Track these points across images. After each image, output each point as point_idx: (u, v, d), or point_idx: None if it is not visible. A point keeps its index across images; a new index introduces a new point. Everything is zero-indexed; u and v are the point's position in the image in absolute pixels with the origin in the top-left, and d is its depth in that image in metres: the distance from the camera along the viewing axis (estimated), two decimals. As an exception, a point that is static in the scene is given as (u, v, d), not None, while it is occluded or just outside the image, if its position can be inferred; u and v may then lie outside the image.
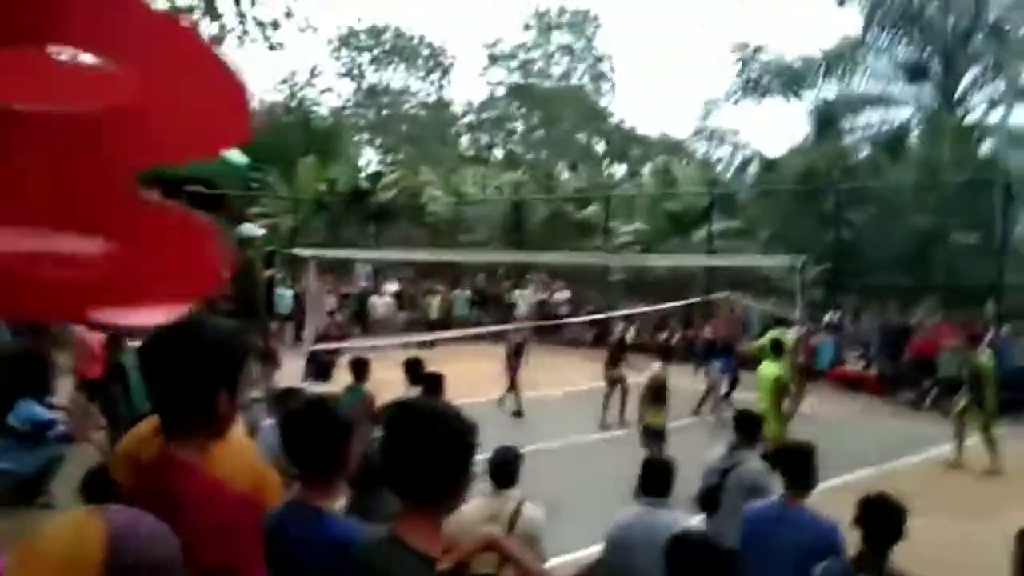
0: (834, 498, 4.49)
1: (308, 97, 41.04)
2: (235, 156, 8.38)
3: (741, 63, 25.52)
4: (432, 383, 6.18)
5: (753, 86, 25.29)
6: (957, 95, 23.08)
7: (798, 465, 3.95)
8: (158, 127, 1.52)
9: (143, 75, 1.49)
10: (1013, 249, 15.73)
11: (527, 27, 47.90)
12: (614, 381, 11.01)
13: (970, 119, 22.91)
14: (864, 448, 9.34)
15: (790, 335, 9.97)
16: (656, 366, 8.61)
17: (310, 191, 26.23)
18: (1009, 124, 19.82)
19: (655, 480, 3.99)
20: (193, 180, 7.44)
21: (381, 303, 18.08)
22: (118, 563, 1.09)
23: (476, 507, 3.72)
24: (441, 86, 50.39)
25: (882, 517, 3.27)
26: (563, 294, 20.45)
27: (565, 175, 31.37)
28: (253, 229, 8.00)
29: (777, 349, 8.39)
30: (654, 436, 8.10)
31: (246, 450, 1.97)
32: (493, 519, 3.66)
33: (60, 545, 1.11)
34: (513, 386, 11.33)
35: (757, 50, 25.30)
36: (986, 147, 21.81)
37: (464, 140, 50.23)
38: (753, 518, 4.01)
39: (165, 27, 1.58)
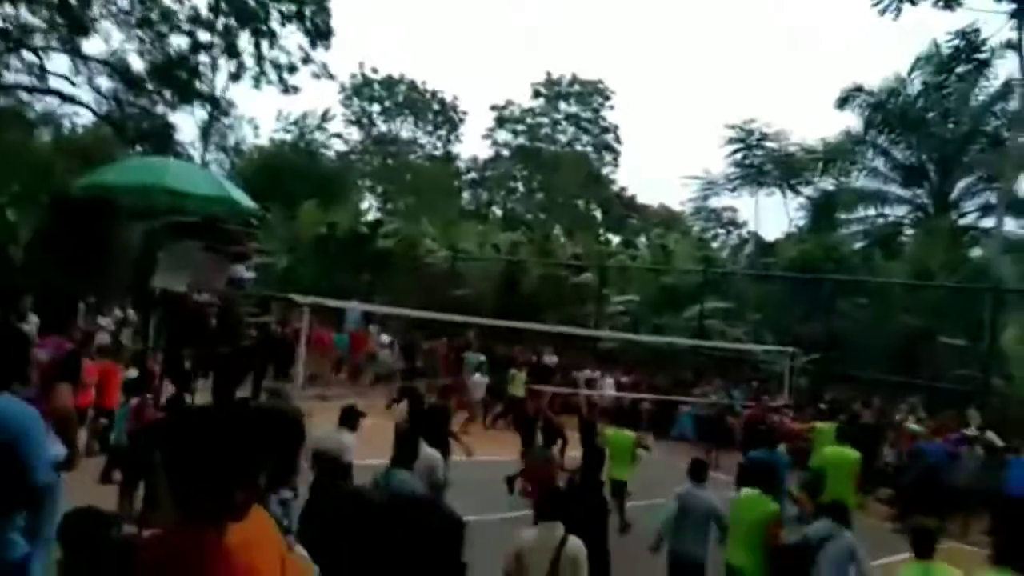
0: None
1: (317, 140, 41.58)
2: (245, 198, 8.45)
3: (744, 149, 26.10)
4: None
5: (754, 175, 25.79)
6: (951, 198, 23.65)
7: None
8: None
9: None
10: (999, 354, 15.85)
11: (537, 93, 48.95)
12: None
13: (963, 222, 23.41)
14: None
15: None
16: None
17: (310, 233, 26.35)
18: (1002, 232, 20.22)
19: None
20: (207, 219, 7.47)
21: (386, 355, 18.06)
22: None
23: (531, 535, 4.53)
24: (448, 141, 51.27)
25: None
26: (551, 358, 20.38)
27: (562, 239, 31.63)
28: (242, 271, 7.99)
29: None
30: None
31: (265, 527, 1.94)
32: (543, 546, 4.41)
33: None
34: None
35: (761, 138, 25.91)
36: (976, 251, 22.22)
37: (466, 195, 50.77)
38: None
39: None
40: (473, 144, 56.84)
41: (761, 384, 16.94)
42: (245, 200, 8.53)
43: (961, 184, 23.56)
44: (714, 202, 29.80)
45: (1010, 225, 21.44)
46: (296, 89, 34.09)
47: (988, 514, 9.87)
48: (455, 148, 51.60)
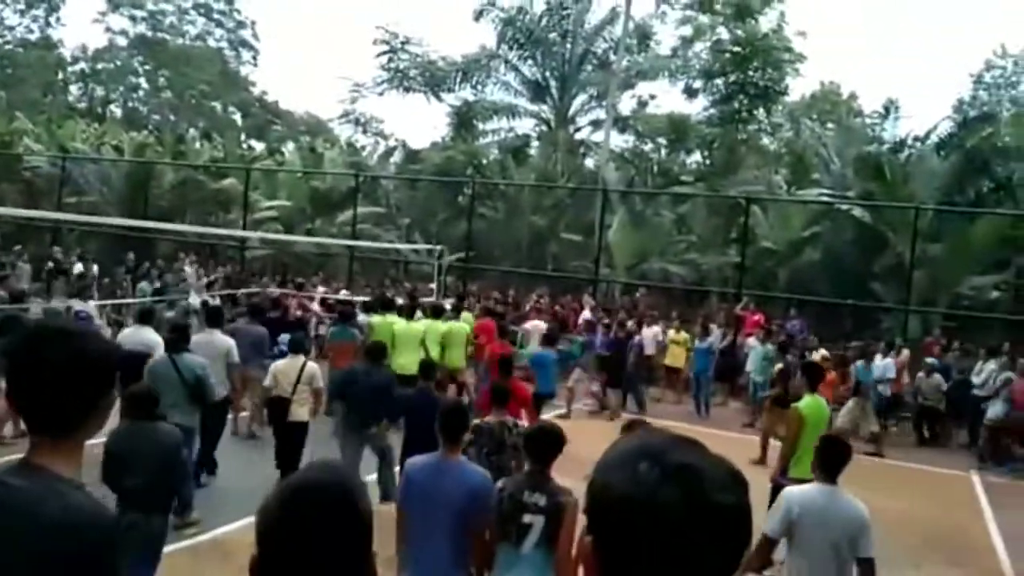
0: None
1: None
2: None
3: (389, 52, 26.20)
4: None
5: (400, 79, 26.14)
6: (570, 114, 26.58)
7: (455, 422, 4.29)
8: None
9: None
10: (606, 247, 18.57)
11: (159, -24, 43.17)
12: None
13: (579, 136, 26.57)
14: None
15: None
16: None
17: None
18: (609, 144, 23.35)
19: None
20: None
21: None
22: None
23: (283, 363, 7.08)
24: (47, 24, 43.08)
25: None
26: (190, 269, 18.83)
27: (198, 143, 29.08)
28: None
29: None
30: None
31: None
32: (290, 369, 6.94)
33: None
34: None
35: (405, 42, 26.19)
36: (589, 161, 25.49)
37: (74, 90, 43.65)
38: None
39: None
40: (81, 30, 48.66)
41: (413, 284, 17.70)
42: None
43: (577, 102, 26.56)
44: (362, 106, 29.65)
45: (615, 139, 24.88)
46: None
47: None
48: (56, 34, 43.64)
